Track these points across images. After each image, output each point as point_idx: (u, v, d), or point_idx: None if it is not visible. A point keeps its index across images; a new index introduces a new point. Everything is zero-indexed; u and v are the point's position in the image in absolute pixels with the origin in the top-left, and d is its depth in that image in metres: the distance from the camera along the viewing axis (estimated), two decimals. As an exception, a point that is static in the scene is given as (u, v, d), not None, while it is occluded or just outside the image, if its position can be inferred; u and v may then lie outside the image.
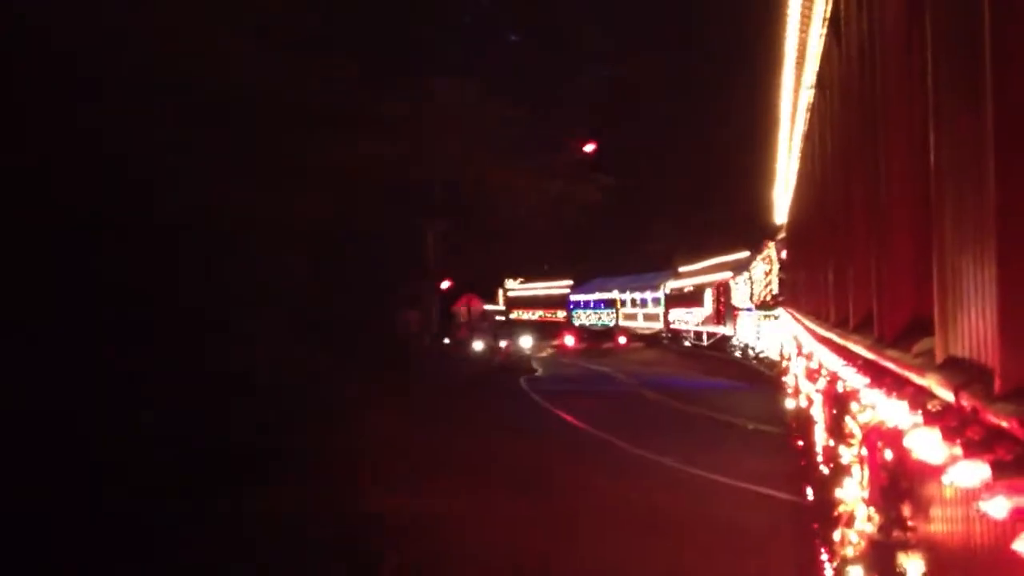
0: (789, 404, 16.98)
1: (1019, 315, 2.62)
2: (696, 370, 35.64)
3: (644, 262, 59.93)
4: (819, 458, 9.92)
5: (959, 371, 3.13)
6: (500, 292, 71.02)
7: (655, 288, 57.14)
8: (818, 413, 10.80)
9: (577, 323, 66.03)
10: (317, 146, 14.30)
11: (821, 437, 10.01)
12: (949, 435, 2.73)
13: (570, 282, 69.86)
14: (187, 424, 9.60)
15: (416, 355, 26.61)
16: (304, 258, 13.76)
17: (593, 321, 65.19)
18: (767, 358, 32.27)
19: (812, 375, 11.71)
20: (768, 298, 31.83)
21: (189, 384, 10.16)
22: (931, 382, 3.38)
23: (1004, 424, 2.41)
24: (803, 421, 13.62)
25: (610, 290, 64.04)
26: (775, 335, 28.22)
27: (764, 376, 29.22)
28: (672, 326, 54.15)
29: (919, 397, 3.49)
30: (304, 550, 8.75)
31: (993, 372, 2.67)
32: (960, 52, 3.28)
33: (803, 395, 14.17)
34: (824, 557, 7.64)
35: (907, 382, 3.89)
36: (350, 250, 16.39)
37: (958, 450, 2.55)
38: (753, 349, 37.60)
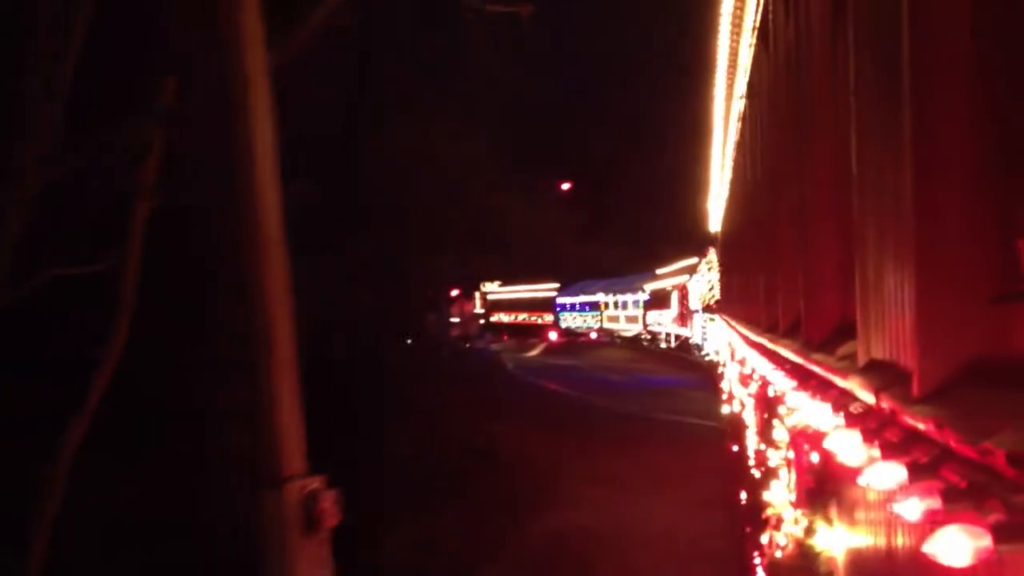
0: (724, 409, 17.22)
1: (936, 320, 2.66)
2: (658, 363, 42.73)
3: (615, 267, 61.48)
4: (751, 461, 10.05)
5: (880, 374, 3.16)
6: (477, 295, 70.14)
7: (635, 290, 57.65)
8: (750, 417, 10.93)
9: (563, 325, 67.62)
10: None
11: (753, 441, 10.14)
12: (869, 437, 2.75)
13: (556, 285, 69.47)
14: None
15: (439, 349, 33.63)
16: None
17: (578, 324, 66.29)
18: (711, 358, 33.44)
19: (744, 380, 11.85)
20: (712, 302, 33.01)
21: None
22: (853, 384, 3.41)
23: (921, 426, 2.44)
24: (736, 425, 13.79)
25: (595, 292, 64.52)
26: (716, 337, 29.93)
27: (711, 372, 30.71)
28: (649, 328, 54.95)
29: (842, 399, 3.53)
30: (452, 446, 16.32)
31: (911, 375, 2.70)
32: (880, 60, 3.33)
33: (736, 400, 14.35)
34: (757, 561, 7.72)
35: (831, 385, 3.94)
36: (405, 274, 22.87)
37: (877, 452, 2.58)
38: (699, 349, 39.27)
